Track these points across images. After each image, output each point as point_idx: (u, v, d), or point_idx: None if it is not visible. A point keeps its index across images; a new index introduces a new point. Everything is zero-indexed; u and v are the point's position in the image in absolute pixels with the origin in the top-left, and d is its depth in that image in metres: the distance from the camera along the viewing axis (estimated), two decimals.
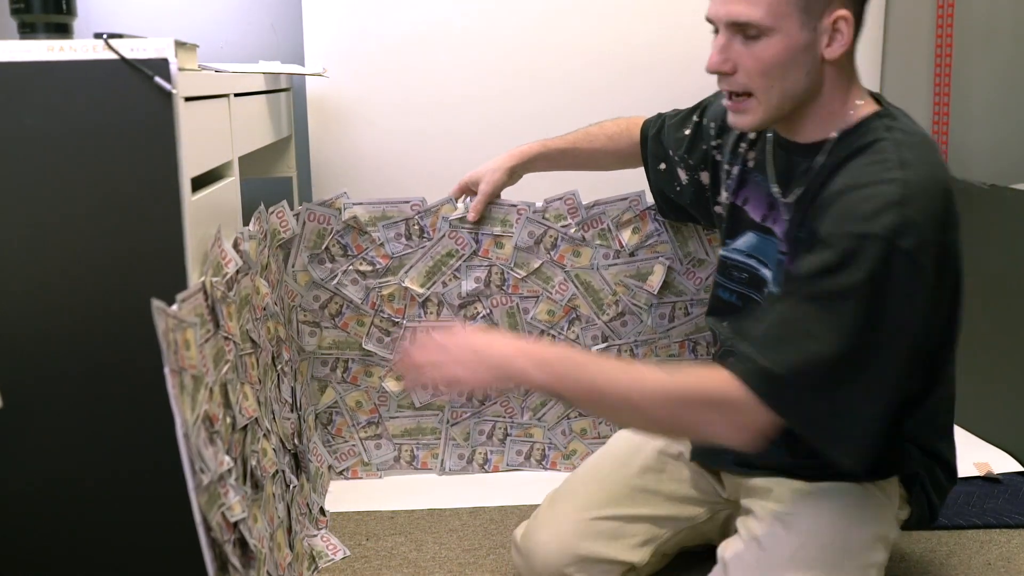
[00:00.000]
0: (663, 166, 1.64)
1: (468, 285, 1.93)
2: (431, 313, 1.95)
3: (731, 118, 1.23)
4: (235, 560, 1.17)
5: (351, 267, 1.92)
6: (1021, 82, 2.57)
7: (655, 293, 1.90)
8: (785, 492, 1.28)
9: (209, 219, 1.32)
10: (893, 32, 2.47)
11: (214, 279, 1.30)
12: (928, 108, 2.53)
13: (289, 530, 1.60)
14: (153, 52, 1.16)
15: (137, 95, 1.16)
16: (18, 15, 1.41)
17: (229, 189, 1.46)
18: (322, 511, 1.85)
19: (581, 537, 1.39)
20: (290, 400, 1.76)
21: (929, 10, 2.49)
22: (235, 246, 1.43)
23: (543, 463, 2.05)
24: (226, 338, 1.32)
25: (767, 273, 1.32)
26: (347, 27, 2.22)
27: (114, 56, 1.15)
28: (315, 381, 2.00)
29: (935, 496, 1.36)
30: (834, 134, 1.19)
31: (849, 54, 1.18)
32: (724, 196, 1.43)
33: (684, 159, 1.57)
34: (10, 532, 1.27)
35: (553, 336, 1.97)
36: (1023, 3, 2.53)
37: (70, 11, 1.44)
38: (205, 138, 1.33)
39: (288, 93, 2.18)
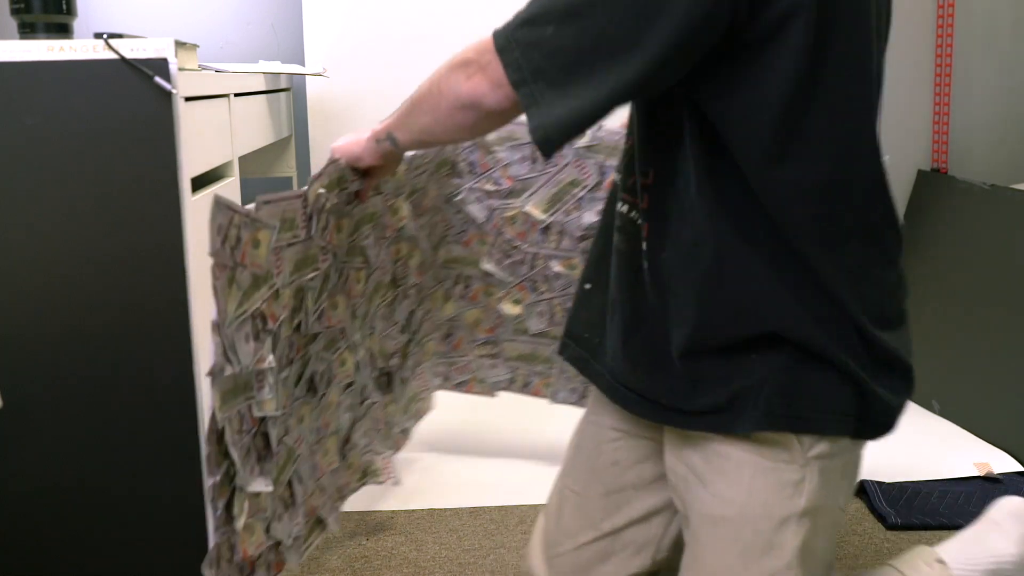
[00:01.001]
0: None
1: (589, 217, 1.84)
2: (551, 241, 1.88)
3: None
4: (236, 452, 1.22)
5: (476, 185, 1.88)
6: (1021, 82, 2.57)
7: None
8: (682, 483, 1.13)
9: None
10: (893, 32, 2.47)
11: (322, 191, 1.31)
12: (928, 109, 2.53)
13: (347, 440, 1.62)
14: (153, 52, 1.16)
15: (137, 95, 1.16)
16: (18, 15, 1.41)
17: (229, 189, 1.46)
18: (404, 432, 1.87)
19: (575, 571, 1.33)
20: (401, 321, 1.76)
21: (929, 10, 2.50)
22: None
23: None
24: (323, 248, 1.36)
25: None
26: (347, 27, 2.22)
27: (114, 56, 1.15)
28: (440, 288, 1.96)
29: (878, 389, 1.04)
30: None
31: None
32: None
33: None
34: (10, 532, 1.27)
35: None
36: (1023, 3, 2.53)
37: (70, 11, 1.44)
38: (205, 138, 1.33)
39: (288, 93, 2.18)
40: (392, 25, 2.23)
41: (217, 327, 1.16)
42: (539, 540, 1.37)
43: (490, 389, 2.02)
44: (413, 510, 1.89)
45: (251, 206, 1.19)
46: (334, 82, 2.22)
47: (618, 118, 1.93)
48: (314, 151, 2.28)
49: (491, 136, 1.83)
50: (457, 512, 1.88)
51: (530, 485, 1.99)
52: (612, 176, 1.31)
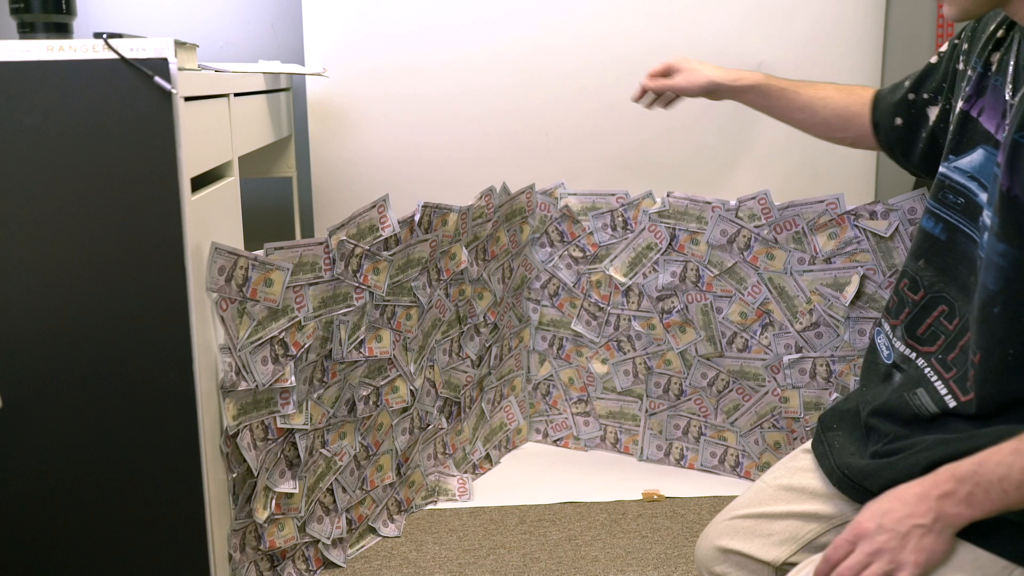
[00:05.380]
0: (900, 120, 1.37)
1: (664, 279, 1.99)
2: (632, 302, 2.05)
3: (943, 9, 1.10)
4: (252, 455, 1.42)
5: (566, 252, 2.09)
6: None
7: (847, 305, 1.82)
8: None
9: (209, 219, 1.32)
10: (893, 32, 2.47)
11: (346, 238, 1.54)
12: None
13: (406, 459, 1.85)
14: (153, 52, 1.15)
15: (137, 95, 1.16)
16: (18, 15, 1.41)
17: (229, 189, 1.46)
18: (488, 458, 2.08)
19: (718, 536, 1.33)
20: (473, 356, 1.99)
21: (929, 10, 2.49)
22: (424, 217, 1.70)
23: (737, 470, 2.04)
24: (357, 287, 1.59)
25: (984, 198, 1.06)
26: (347, 27, 2.22)
27: (114, 56, 1.15)
28: (535, 353, 2.19)
29: None
30: None
31: None
32: (958, 105, 1.18)
33: (935, 91, 1.29)
34: (10, 532, 1.27)
35: (746, 340, 1.96)
36: None
37: (70, 11, 1.43)
38: (205, 138, 1.33)
39: (288, 93, 2.18)
40: (393, 25, 2.23)
41: (228, 349, 1.35)
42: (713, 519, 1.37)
43: (584, 446, 2.20)
44: (413, 510, 1.89)
45: (260, 252, 1.39)
46: (334, 82, 2.22)
47: (684, 187, 1.97)
48: (314, 151, 2.28)
49: (576, 207, 2.05)
50: (457, 512, 1.88)
51: (530, 485, 2.00)
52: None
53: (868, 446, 1.15)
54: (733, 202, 1.89)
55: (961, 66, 1.21)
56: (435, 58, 2.24)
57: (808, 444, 1.32)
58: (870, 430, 1.16)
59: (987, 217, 1.02)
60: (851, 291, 1.81)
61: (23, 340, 1.22)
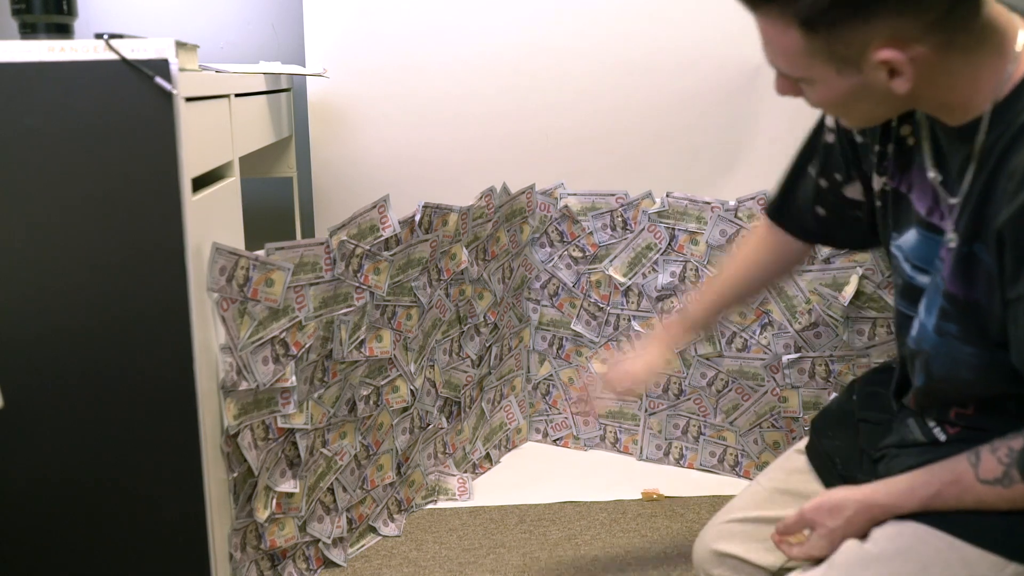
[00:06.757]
0: (822, 210, 1.27)
1: (663, 279, 2.00)
2: (632, 302, 2.06)
3: (840, 121, 1.08)
4: (253, 455, 1.43)
5: (565, 252, 2.10)
6: None
7: (846, 305, 1.82)
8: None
9: (210, 219, 1.32)
10: None
11: (347, 238, 1.55)
12: None
13: (406, 459, 1.86)
14: (154, 52, 1.16)
15: (138, 95, 1.16)
16: (19, 16, 1.41)
17: (229, 189, 1.46)
18: (488, 458, 2.09)
19: (715, 539, 1.33)
20: (473, 356, 2.00)
21: None
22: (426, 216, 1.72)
23: (736, 470, 2.05)
24: (358, 287, 1.59)
25: (923, 280, 1.07)
26: (347, 27, 2.22)
27: (115, 56, 1.15)
28: (535, 353, 2.20)
29: None
30: (987, 107, 0.93)
31: (956, 48, 0.90)
32: (879, 181, 1.14)
33: (846, 169, 1.21)
34: (10, 532, 1.27)
35: (745, 339, 1.96)
36: None
37: (71, 11, 1.44)
38: (205, 138, 1.33)
39: (288, 93, 2.19)
40: (393, 25, 2.23)
41: (229, 349, 1.36)
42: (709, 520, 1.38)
43: (583, 445, 2.21)
44: (413, 509, 1.89)
45: (260, 252, 1.39)
46: (334, 82, 2.22)
47: (684, 187, 1.95)
48: (314, 151, 2.28)
49: (576, 207, 2.06)
50: (457, 512, 1.88)
51: (530, 485, 2.00)
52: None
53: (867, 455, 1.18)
54: (732, 202, 1.89)
55: (860, 138, 1.16)
56: (435, 58, 2.24)
57: (801, 444, 1.33)
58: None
59: (923, 309, 1.04)
60: (850, 291, 1.82)
61: (23, 340, 1.22)
